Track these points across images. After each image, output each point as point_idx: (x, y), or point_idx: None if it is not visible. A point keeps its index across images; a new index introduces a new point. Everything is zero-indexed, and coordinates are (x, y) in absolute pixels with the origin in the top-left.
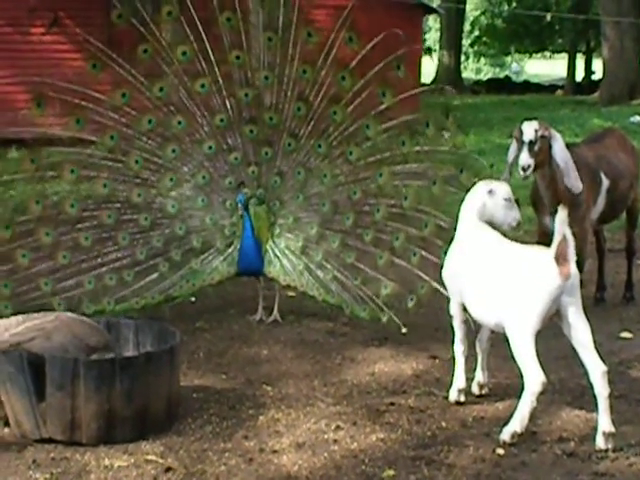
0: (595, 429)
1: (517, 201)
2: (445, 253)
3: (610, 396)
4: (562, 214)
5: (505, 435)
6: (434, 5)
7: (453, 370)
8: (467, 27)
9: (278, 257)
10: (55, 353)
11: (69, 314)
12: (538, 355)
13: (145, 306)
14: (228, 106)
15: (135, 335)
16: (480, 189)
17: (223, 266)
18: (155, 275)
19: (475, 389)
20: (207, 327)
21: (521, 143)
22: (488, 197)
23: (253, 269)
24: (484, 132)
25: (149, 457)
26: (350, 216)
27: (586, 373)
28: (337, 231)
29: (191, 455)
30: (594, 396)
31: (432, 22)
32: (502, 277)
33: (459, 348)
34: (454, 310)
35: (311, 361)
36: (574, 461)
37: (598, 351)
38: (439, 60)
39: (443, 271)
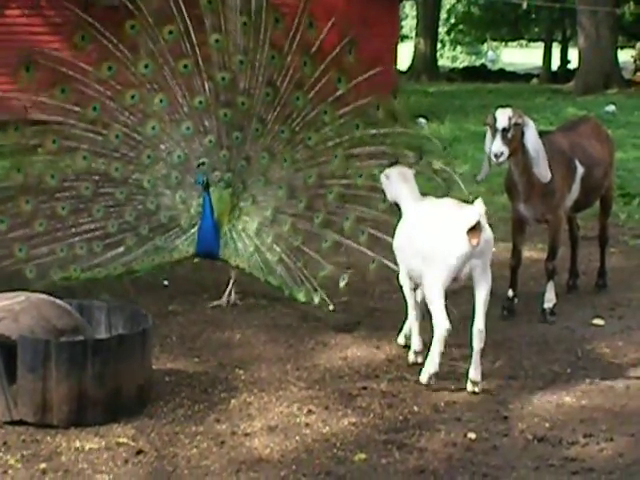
0: (567, 414)
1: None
2: None
3: (482, 351)
4: (481, 208)
5: (423, 377)
6: None
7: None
8: (443, 15)
9: (234, 239)
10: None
11: (40, 295)
12: (507, 339)
13: (107, 276)
14: (207, 88)
15: (107, 318)
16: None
17: (184, 245)
18: (122, 248)
19: (411, 357)
20: (180, 310)
21: (494, 130)
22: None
23: (210, 251)
24: (460, 120)
25: (120, 440)
26: (303, 199)
27: (558, 359)
28: (289, 215)
29: (162, 438)
30: (566, 382)
31: (409, 9)
32: (425, 240)
33: (412, 313)
34: (402, 279)
35: (284, 345)
36: (545, 446)
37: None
38: (415, 47)
39: (393, 242)
